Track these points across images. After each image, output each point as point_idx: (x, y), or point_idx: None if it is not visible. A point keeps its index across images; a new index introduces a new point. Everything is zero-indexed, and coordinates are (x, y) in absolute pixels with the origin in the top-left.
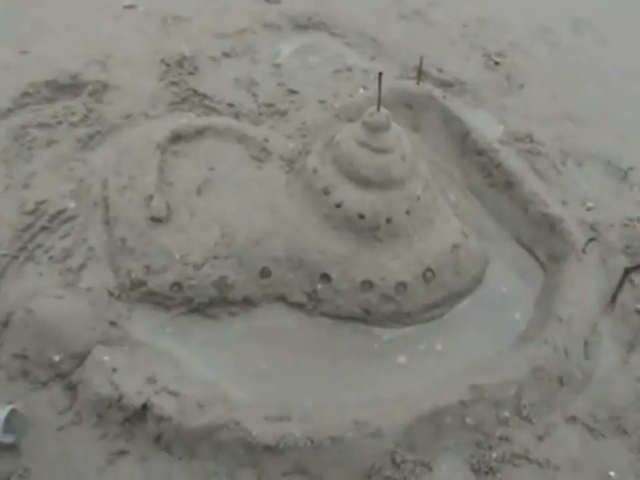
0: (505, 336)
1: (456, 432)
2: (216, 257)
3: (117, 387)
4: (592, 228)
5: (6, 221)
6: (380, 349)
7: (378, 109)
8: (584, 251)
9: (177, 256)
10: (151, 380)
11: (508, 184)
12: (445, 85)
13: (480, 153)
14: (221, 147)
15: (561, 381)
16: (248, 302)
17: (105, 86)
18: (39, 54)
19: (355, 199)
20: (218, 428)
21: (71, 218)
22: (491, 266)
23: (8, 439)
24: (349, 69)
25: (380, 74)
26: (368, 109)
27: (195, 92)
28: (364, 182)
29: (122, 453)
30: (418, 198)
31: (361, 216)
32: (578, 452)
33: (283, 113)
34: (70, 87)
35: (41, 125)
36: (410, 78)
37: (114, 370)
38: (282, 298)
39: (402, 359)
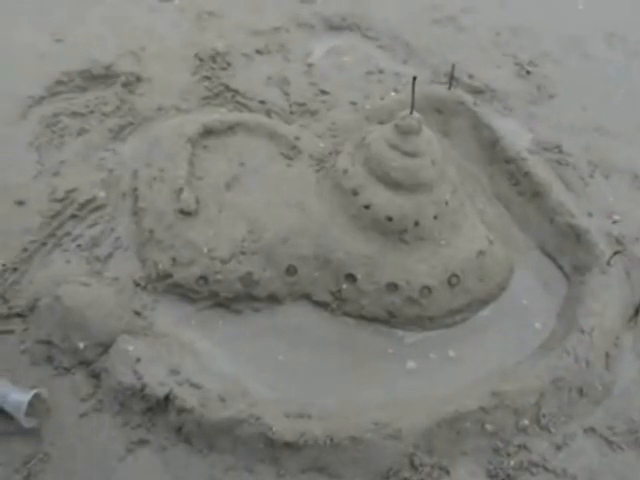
0: (527, 344)
1: (475, 438)
2: (243, 253)
3: (140, 377)
4: (617, 241)
5: (36, 208)
6: (402, 352)
7: (411, 112)
8: (609, 263)
9: (204, 250)
10: (174, 371)
11: (535, 193)
12: (476, 92)
13: (508, 161)
14: (252, 143)
15: (581, 392)
16: (273, 299)
17: (138, 78)
18: (74, 44)
19: (384, 201)
20: (239, 422)
21: (100, 207)
22: (515, 274)
23: (30, 423)
24: (381, 71)
25: (414, 78)
26: (400, 112)
27: (227, 88)
28: (393, 185)
29: (142, 442)
30: (446, 203)
31: (389, 218)
32: (595, 463)
33: (314, 113)
34: (103, 77)
35: (73, 114)
36: (441, 83)
37: (138, 360)
38: (307, 296)
39: (424, 363)
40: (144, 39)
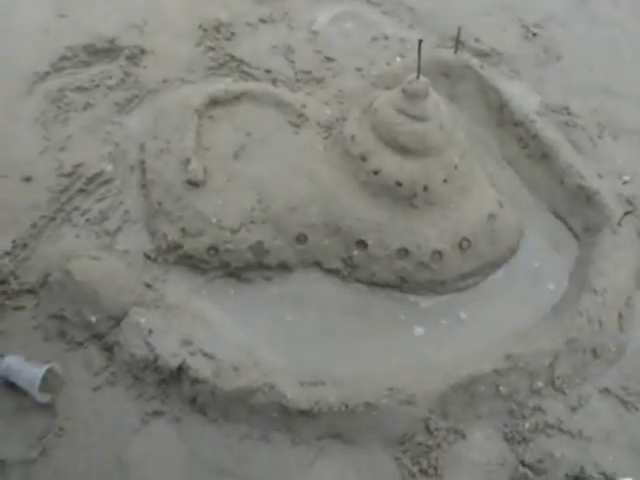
0: (539, 307)
1: (490, 401)
2: (252, 222)
3: (153, 349)
4: (628, 201)
5: (44, 183)
6: (415, 316)
7: (418, 77)
8: (620, 224)
9: (213, 220)
10: (187, 342)
11: (544, 155)
12: (482, 55)
13: (517, 124)
14: (258, 112)
15: (595, 353)
16: (284, 267)
17: (142, 51)
18: (77, 18)
19: (393, 166)
20: (253, 391)
21: (108, 181)
22: (526, 237)
23: (45, 398)
24: (386, 37)
25: (420, 42)
26: (406, 77)
27: (232, 58)
28: (402, 149)
29: (157, 414)
30: (455, 167)
31: (398, 183)
32: (610, 424)
33: (320, 80)
34: (107, 51)
35: (78, 89)
36: (447, 48)
37: (150, 332)
38: (317, 264)
39: (437, 327)
40: (147, 12)
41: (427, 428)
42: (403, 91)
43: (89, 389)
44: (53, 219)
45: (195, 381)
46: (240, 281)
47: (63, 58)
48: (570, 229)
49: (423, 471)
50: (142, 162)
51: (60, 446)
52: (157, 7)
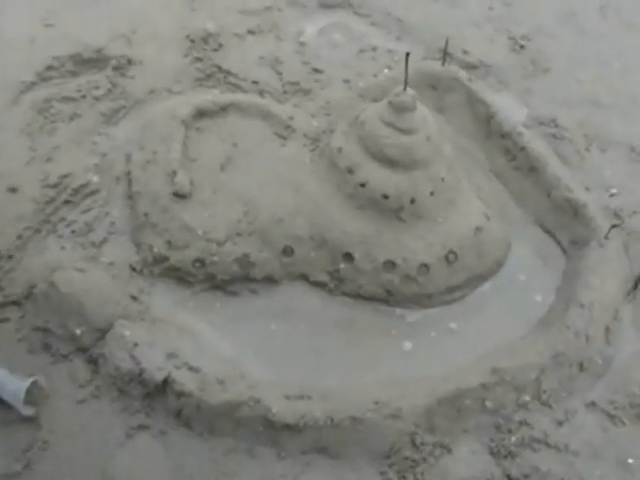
0: (527, 320)
1: (476, 415)
2: (239, 234)
3: (138, 362)
4: (615, 214)
5: (29, 194)
6: (402, 330)
7: (404, 89)
8: (607, 237)
9: (200, 232)
10: (172, 355)
11: (532, 168)
12: (470, 67)
13: (504, 136)
14: (245, 124)
15: (581, 366)
16: (270, 280)
17: (129, 61)
18: (64, 28)
19: (379, 179)
20: (238, 405)
21: (94, 192)
22: (513, 250)
23: (29, 411)
24: (374, 49)
25: (407, 54)
26: (393, 89)
27: (219, 69)
28: (389, 162)
29: (142, 427)
30: (442, 179)
31: (385, 196)
32: (597, 438)
33: (307, 92)
34: (94, 61)
35: (65, 99)
36: (435, 59)
37: (135, 345)
38: (304, 277)
39: (424, 341)
40: (134, 22)
41: (413, 442)
42: (390, 103)
43: (74, 402)
44: (38, 230)
45: (180, 394)
46: (226, 294)
47: (49, 68)
48: (557, 242)
49: None
50: (128, 173)
51: (44, 459)
52: (144, 17)
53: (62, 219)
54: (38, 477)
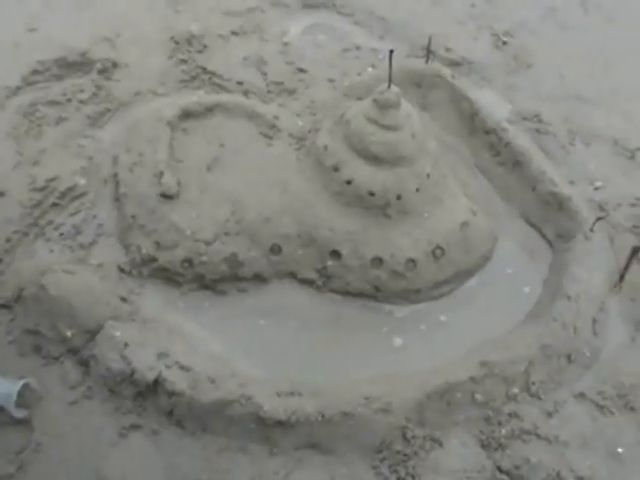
0: (514, 313)
1: (466, 408)
2: (227, 234)
3: (129, 362)
4: (600, 207)
5: (16, 198)
6: (391, 325)
7: (389, 86)
8: (592, 230)
9: (188, 232)
10: (163, 355)
11: (516, 163)
12: (453, 64)
13: (488, 132)
14: (231, 124)
15: (569, 358)
16: (258, 278)
17: (114, 64)
18: (48, 32)
19: (365, 176)
20: (230, 403)
21: (81, 195)
22: (499, 244)
23: (21, 414)
24: (358, 48)
25: (391, 52)
26: (378, 87)
27: (204, 70)
28: (374, 159)
29: (134, 427)
30: (428, 176)
31: (371, 193)
32: (587, 428)
33: (292, 91)
34: (79, 65)
35: (50, 103)
36: (419, 57)
37: (126, 345)
38: (292, 275)
39: (413, 335)
40: (118, 24)
41: (404, 436)
42: (374, 101)
43: (65, 404)
44: (27, 234)
45: (172, 394)
46: (215, 293)
47: (35, 72)
48: (543, 236)
49: (401, 479)
50: (115, 175)
51: (38, 461)
52: (129, 20)
53: (50, 222)
54: (32, 479)
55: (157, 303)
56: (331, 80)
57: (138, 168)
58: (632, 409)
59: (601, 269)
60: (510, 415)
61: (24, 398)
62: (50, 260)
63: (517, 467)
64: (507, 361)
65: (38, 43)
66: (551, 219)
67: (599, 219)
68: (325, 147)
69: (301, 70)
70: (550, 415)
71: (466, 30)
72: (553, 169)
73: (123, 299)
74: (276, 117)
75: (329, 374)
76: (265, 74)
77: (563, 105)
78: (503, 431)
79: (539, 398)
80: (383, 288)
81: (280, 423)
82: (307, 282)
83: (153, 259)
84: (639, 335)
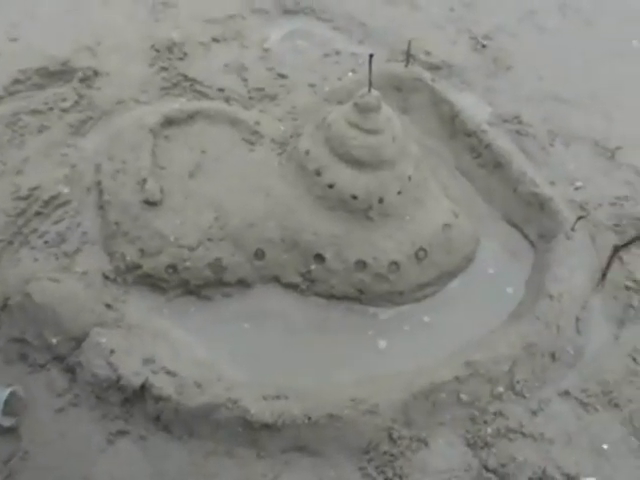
0: (497, 313)
1: (451, 408)
2: (210, 239)
3: (115, 368)
4: (581, 207)
5: (0, 207)
6: (375, 328)
7: (369, 90)
8: (573, 229)
9: (171, 238)
10: (149, 361)
11: (497, 164)
12: (433, 68)
13: (469, 134)
14: (213, 131)
15: (553, 357)
16: (243, 283)
17: (95, 72)
18: (29, 41)
19: (347, 180)
20: (216, 407)
21: (65, 203)
22: (482, 245)
23: (8, 422)
24: (338, 53)
25: (371, 56)
26: (358, 91)
27: (185, 77)
28: (356, 163)
29: (121, 433)
30: (409, 178)
31: (354, 197)
32: (571, 426)
33: (273, 97)
34: (60, 74)
35: (32, 112)
36: (398, 61)
37: (112, 352)
38: (276, 279)
39: (397, 337)
40: (99, 33)
41: (390, 437)
42: (355, 105)
43: (52, 411)
44: (11, 243)
45: (158, 399)
46: (200, 299)
47: (16, 82)
48: (525, 236)
49: (388, 479)
50: (98, 183)
51: (26, 469)
52: (109, 28)
53: (34, 230)
54: None
55: (142, 309)
56: (312, 85)
57: (121, 175)
58: (616, 406)
59: (583, 268)
60: (495, 414)
61: (11, 406)
62: (35, 268)
63: (503, 465)
64: (491, 361)
65: (19, 52)
66: (533, 219)
67: (580, 218)
68: (307, 152)
69: (282, 76)
70: (535, 413)
71: (445, 34)
72: (534, 170)
73: (108, 306)
74: (258, 123)
75: (315, 377)
76: (246, 80)
77: (543, 107)
78: (489, 430)
79: (524, 397)
80: (367, 291)
81: (267, 426)
82: (291, 286)
83: (137, 266)
84: (622, 333)
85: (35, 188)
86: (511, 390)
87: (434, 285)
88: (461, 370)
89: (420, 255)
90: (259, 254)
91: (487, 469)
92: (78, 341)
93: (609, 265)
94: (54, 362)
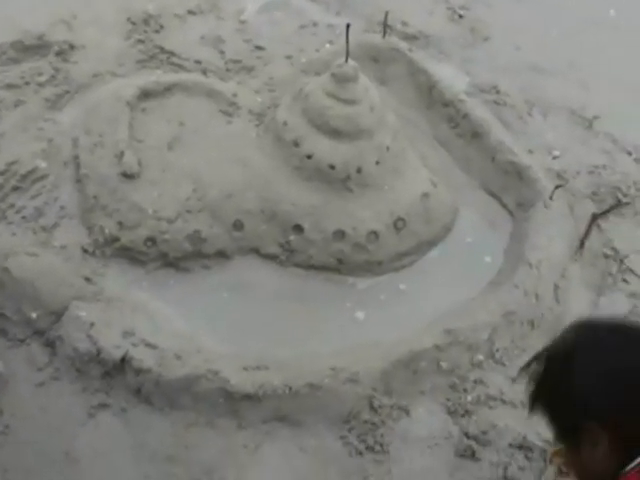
0: (476, 282)
1: (431, 376)
2: (189, 211)
3: (95, 342)
4: (559, 176)
5: None
6: (354, 297)
7: (346, 61)
8: (551, 198)
9: (150, 211)
10: (128, 334)
11: (475, 134)
12: (410, 39)
13: (447, 104)
14: (190, 103)
15: (532, 324)
16: (222, 255)
17: (71, 46)
18: (3, 16)
19: (325, 150)
20: (197, 378)
21: (42, 177)
22: (460, 215)
23: None
24: (315, 24)
25: (348, 25)
26: (336, 62)
27: (162, 50)
28: (334, 133)
29: (102, 406)
30: (387, 148)
31: (331, 167)
32: None
33: (250, 69)
34: (36, 48)
35: (8, 86)
36: (375, 32)
37: (91, 325)
38: (255, 250)
39: (377, 307)
40: (75, 6)
41: (371, 406)
42: (332, 75)
43: (33, 385)
44: None
45: (139, 371)
46: (179, 271)
47: None
48: (503, 205)
49: (369, 448)
50: (76, 157)
51: (7, 444)
52: (85, 1)
53: (11, 205)
54: (1, 461)
55: (121, 282)
56: (289, 57)
57: (98, 149)
58: None
59: (562, 236)
60: (475, 382)
61: None
62: (13, 243)
63: (484, 432)
64: (471, 328)
65: None
66: (511, 188)
67: (558, 187)
68: (284, 122)
69: (259, 48)
70: (515, 381)
71: (422, 4)
72: (511, 139)
73: (87, 279)
74: (235, 95)
75: (295, 348)
76: (223, 52)
77: (520, 76)
78: (469, 398)
79: (503, 364)
80: (346, 261)
81: (248, 397)
82: (270, 257)
83: (116, 239)
84: (600, 300)
85: (12, 163)
86: (491, 358)
87: (413, 254)
88: (441, 338)
89: (399, 225)
90: (238, 225)
91: (468, 436)
92: (58, 315)
93: (587, 233)
94: (34, 336)
